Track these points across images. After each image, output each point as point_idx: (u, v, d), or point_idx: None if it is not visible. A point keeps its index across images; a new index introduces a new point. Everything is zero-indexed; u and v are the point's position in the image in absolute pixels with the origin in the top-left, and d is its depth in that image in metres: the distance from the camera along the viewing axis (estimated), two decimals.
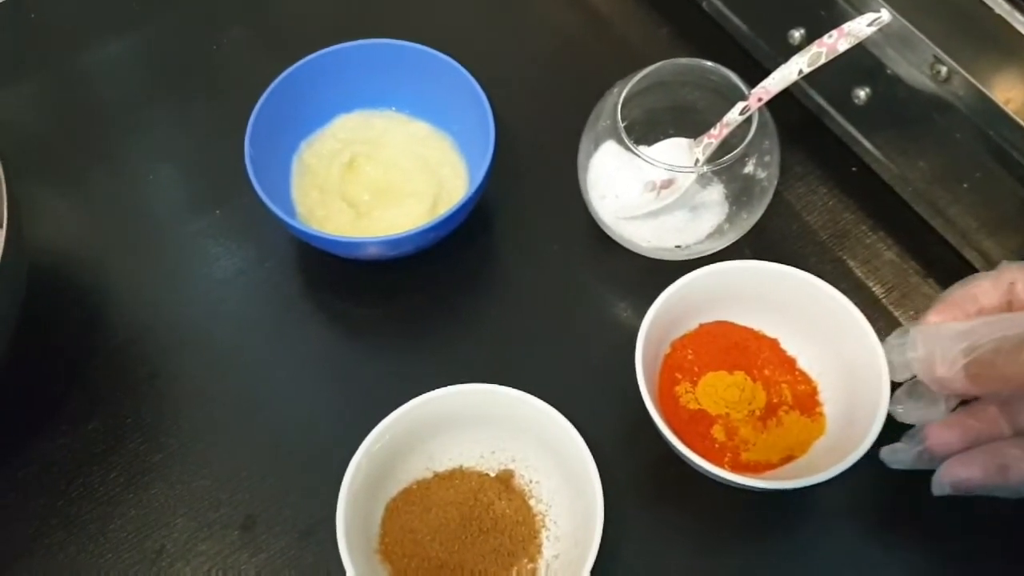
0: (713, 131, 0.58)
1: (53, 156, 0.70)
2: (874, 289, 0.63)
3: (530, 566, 0.52)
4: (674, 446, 0.51)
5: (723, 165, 0.57)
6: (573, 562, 0.49)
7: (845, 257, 0.64)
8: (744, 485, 0.51)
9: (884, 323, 0.61)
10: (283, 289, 0.64)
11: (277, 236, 0.66)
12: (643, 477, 0.57)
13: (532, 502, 0.54)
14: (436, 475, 0.55)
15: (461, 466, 0.55)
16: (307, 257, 0.65)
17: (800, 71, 0.54)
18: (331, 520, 0.50)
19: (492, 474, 0.55)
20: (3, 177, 0.54)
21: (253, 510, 0.57)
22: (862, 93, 0.62)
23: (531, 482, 0.55)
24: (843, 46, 0.53)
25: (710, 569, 0.55)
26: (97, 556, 0.56)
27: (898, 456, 0.52)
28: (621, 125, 0.57)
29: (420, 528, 0.52)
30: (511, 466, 0.55)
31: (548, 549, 0.53)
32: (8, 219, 0.53)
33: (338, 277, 0.64)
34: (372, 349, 0.63)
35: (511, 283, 0.65)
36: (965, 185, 0.59)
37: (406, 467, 0.54)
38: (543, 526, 0.53)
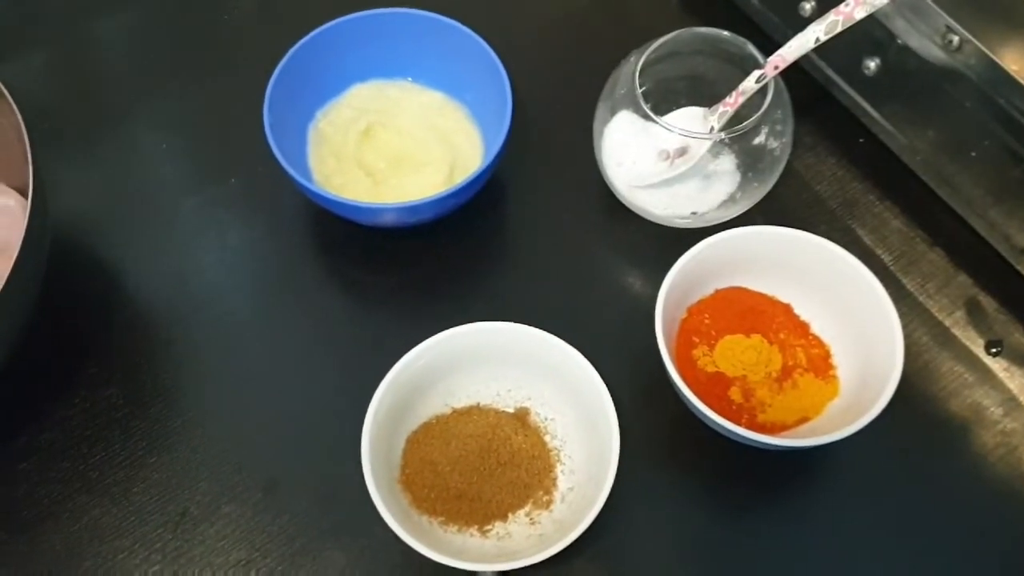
0: (728, 99, 0.59)
1: (67, 126, 0.70)
2: (882, 257, 0.64)
3: (545, 498, 0.54)
4: (693, 404, 0.52)
5: (738, 132, 0.58)
6: (587, 495, 0.50)
7: (854, 225, 0.65)
8: (761, 442, 0.52)
9: (892, 290, 0.61)
10: (299, 257, 0.65)
11: (293, 205, 0.66)
12: (658, 438, 0.58)
13: (547, 438, 0.56)
14: (454, 411, 0.56)
15: (478, 403, 0.57)
16: (323, 225, 0.66)
17: (817, 39, 0.55)
18: (353, 479, 0.50)
19: (509, 411, 0.56)
20: (29, 146, 0.54)
21: (275, 473, 0.57)
22: (872, 64, 0.63)
23: (546, 419, 0.56)
24: (860, 14, 0.54)
25: (722, 528, 0.56)
26: (120, 519, 0.56)
27: None
28: (639, 92, 0.58)
29: (439, 460, 0.54)
30: (527, 404, 0.57)
31: (563, 482, 0.54)
32: (33, 188, 0.53)
33: (354, 245, 0.65)
34: (388, 316, 0.63)
35: (527, 251, 0.65)
36: (973, 154, 0.60)
37: (425, 403, 0.55)
38: (558, 460, 0.55)
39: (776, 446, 0.52)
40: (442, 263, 0.64)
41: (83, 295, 0.64)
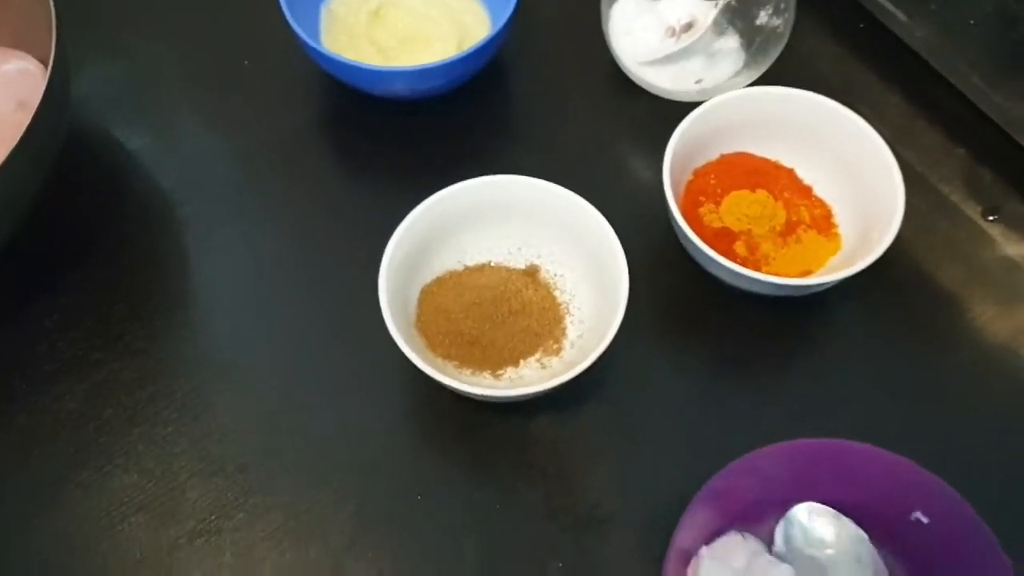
0: None
1: (92, 11, 0.71)
2: (883, 133, 0.65)
3: (555, 346, 0.55)
4: (700, 253, 0.54)
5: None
6: (596, 339, 0.52)
7: (855, 104, 0.66)
8: (764, 282, 0.53)
9: None
10: (311, 133, 0.66)
11: (307, 84, 0.67)
12: (665, 295, 0.60)
13: (557, 293, 0.57)
14: (467, 268, 0.58)
15: (490, 261, 0.58)
16: (335, 100, 0.67)
17: None
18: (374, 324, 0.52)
19: (520, 268, 0.58)
20: (53, 8, 0.55)
21: (295, 322, 0.59)
22: None
23: (556, 275, 0.58)
24: None
25: (726, 379, 0.58)
26: (140, 372, 0.57)
27: None
28: None
29: (453, 308, 0.55)
30: (537, 261, 0.58)
31: (572, 331, 0.56)
32: (56, 46, 0.54)
33: (365, 120, 0.66)
34: (398, 188, 0.64)
35: (537, 127, 0.67)
36: (971, 22, 0.61)
37: (439, 258, 0.57)
38: (567, 312, 0.57)
39: (779, 286, 0.53)
40: (451, 138, 0.65)
41: (99, 169, 0.65)
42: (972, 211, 0.63)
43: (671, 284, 0.60)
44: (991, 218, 0.63)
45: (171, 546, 0.52)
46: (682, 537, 0.47)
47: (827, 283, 0.53)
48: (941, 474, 0.48)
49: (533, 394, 0.50)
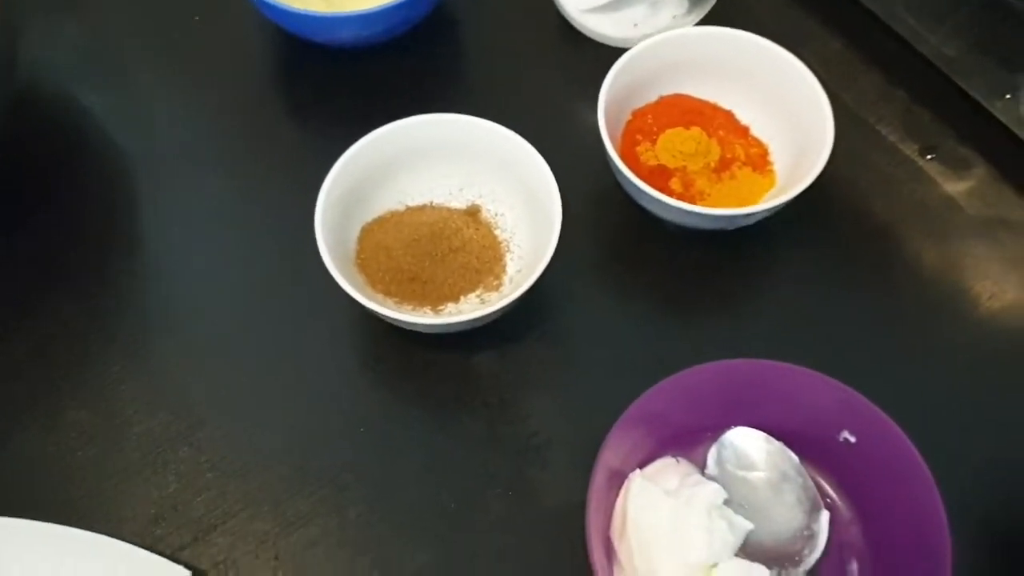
0: None
1: None
2: (822, 75, 0.66)
3: (495, 282, 0.56)
4: (636, 189, 0.55)
5: None
6: (532, 272, 0.53)
7: (795, 49, 0.67)
8: (698, 214, 0.54)
9: (831, 105, 0.64)
10: (260, 87, 0.67)
11: (257, 35, 0.69)
12: (605, 234, 0.61)
13: (497, 232, 0.58)
14: (408, 208, 0.59)
15: (431, 201, 0.59)
16: (284, 52, 0.68)
17: None
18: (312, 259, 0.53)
19: (461, 208, 0.59)
20: None
21: (237, 250, 0.60)
22: None
23: (497, 215, 0.59)
24: None
25: (663, 315, 0.59)
26: (93, 315, 0.59)
27: None
28: None
29: (393, 245, 0.56)
30: (478, 201, 0.59)
31: (511, 268, 0.57)
32: None
33: (314, 69, 0.67)
34: (343, 136, 0.64)
35: (481, 75, 0.68)
36: None
37: (379, 198, 0.58)
38: (507, 250, 0.58)
39: (711, 217, 0.55)
40: (397, 85, 0.66)
41: (54, 125, 0.66)
42: (910, 151, 0.64)
43: (612, 224, 0.62)
44: (928, 157, 0.64)
45: (120, 476, 0.53)
46: (608, 456, 0.48)
47: (756, 212, 0.54)
48: (871, 397, 0.49)
49: (469, 322, 0.51)
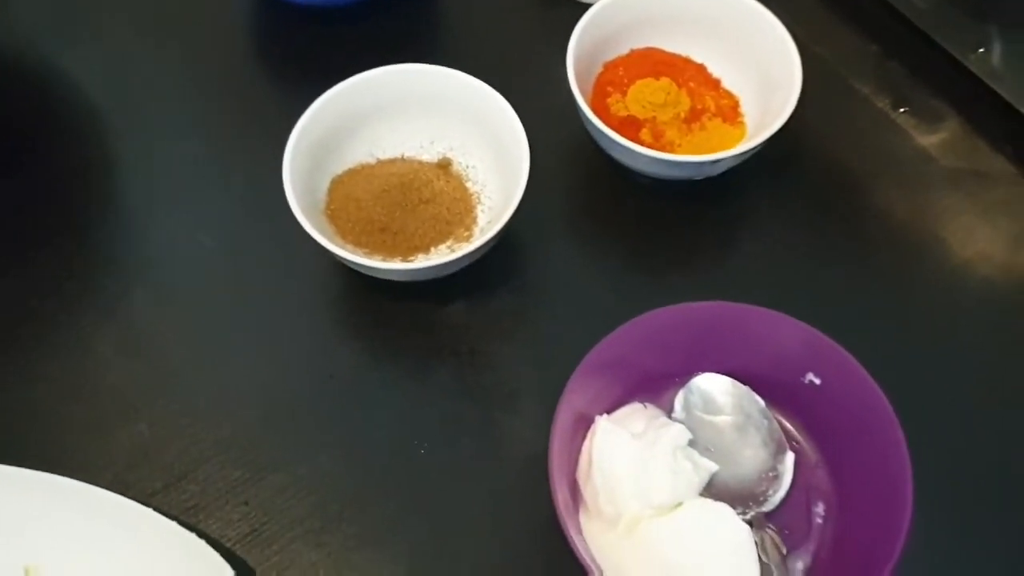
0: None
1: None
2: (797, 32, 0.66)
3: (466, 234, 0.56)
4: (607, 139, 0.55)
5: None
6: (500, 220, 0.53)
7: (769, 6, 0.68)
8: (667, 160, 0.54)
9: (805, 59, 0.64)
10: (230, 43, 0.68)
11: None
12: (576, 187, 0.62)
13: (468, 184, 0.58)
14: (379, 160, 0.59)
15: (403, 154, 0.59)
16: (256, 11, 0.69)
17: None
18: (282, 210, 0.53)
19: (432, 161, 0.59)
20: None
21: (205, 206, 0.60)
22: None
23: (468, 167, 0.59)
24: None
25: (634, 267, 0.60)
26: (73, 263, 0.59)
27: None
28: None
29: (363, 196, 0.56)
30: (450, 154, 0.59)
31: (482, 219, 0.57)
32: None
33: (287, 28, 0.68)
34: (314, 93, 0.64)
35: (456, 35, 0.68)
36: None
37: (350, 150, 0.58)
38: (478, 202, 0.58)
39: (679, 164, 0.55)
40: (368, 45, 0.66)
41: (27, 84, 0.66)
42: (883, 104, 0.64)
43: (583, 177, 0.62)
44: (902, 110, 0.64)
45: (93, 424, 0.54)
46: (571, 400, 0.49)
47: (723, 160, 0.54)
48: (839, 341, 0.49)
49: (436, 268, 0.52)
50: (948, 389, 0.55)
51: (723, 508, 0.48)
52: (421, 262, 0.53)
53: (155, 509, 0.50)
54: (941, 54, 0.64)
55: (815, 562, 0.49)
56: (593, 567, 0.45)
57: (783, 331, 0.50)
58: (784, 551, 0.48)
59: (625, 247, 0.60)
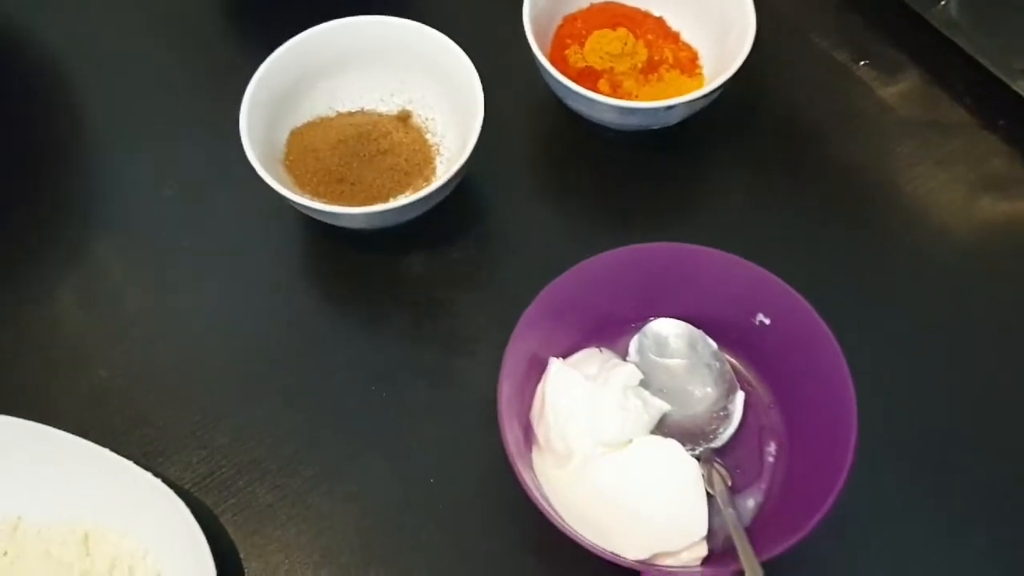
0: None
1: None
2: None
3: (424, 184, 0.57)
4: (564, 89, 0.55)
5: None
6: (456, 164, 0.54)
7: None
8: (621, 107, 0.55)
9: (767, 14, 0.65)
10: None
11: None
12: (537, 145, 0.62)
13: (428, 136, 0.59)
14: (338, 113, 0.59)
15: (363, 107, 0.60)
16: None
17: None
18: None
19: (392, 113, 0.60)
20: None
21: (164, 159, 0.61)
22: None
23: (427, 119, 0.60)
24: None
25: (595, 212, 0.60)
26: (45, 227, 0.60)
27: None
28: None
29: (321, 147, 0.57)
30: (409, 107, 0.60)
31: (441, 170, 0.58)
32: None
33: None
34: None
35: None
36: None
37: (310, 103, 0.59)
38: (437, 153, 0.58)
39: (633, 109, 0.55)
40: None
41: None
42: (843, 57, 0.65)
43: (544, 131, 0.63)
44: (862, 63, 0.64)
45: (54, 371, 0.55)
46: (522, 339, 0.49)
47: (677, 105, 0.55)
48: (797, 287, 0.49)
49: (391, 211, 0.52)
50: (900, 334, 0.55)
51: (671, 444, 0.49)
52: (377, 207, 0.53)
53: (115, 452, 0.51)
54: (901, 7, 0.64)
55: (766, 499, 0.50)
56: (542, 502, 0.46)
57: (733, 271, 0.51)
58: (729, 483, 0.48)
59: (585, 198, 0.60)
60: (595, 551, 0.44)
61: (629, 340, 0.53)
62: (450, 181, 0.53)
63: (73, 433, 0.51)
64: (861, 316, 0.55)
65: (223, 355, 0.55)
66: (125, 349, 0.55)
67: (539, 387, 0.51)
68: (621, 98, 0.59)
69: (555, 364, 0.51)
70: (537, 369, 0.51)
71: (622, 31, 0.60)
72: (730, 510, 0.46)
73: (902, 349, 0.54)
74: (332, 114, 0.60)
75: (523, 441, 0.50)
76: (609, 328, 0.54)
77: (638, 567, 0.45)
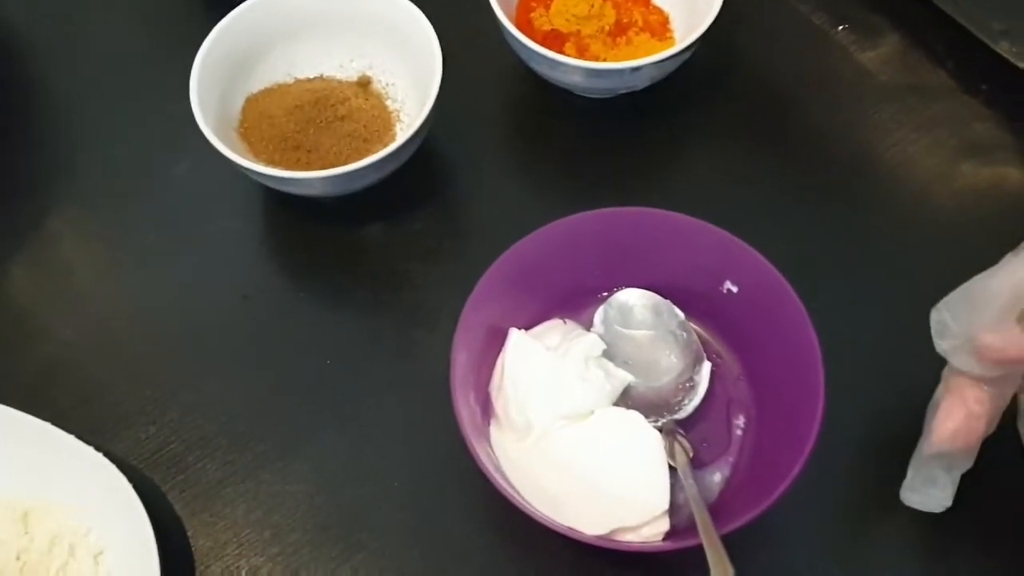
0: None
1: None
2: None
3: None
4: (524, 46, 0.53)
5: None
6: (419, 137, 0.52)
7: None
8: (586, 68, 0.53)
9: None
10: None
11: None
12: (503, 113, 0.61)
13: (388, 102, 0.57)
14: (297, 80, 0.58)
15: (322, 74, 0.58)
16: None
17: None
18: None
19: (352, 79, 0.58)
20: None
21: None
22: None
23: (387, 85, 0.58)
24: None
25: (563, 180, 0.58)
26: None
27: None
28: None
29: (276, 113, 0.55)
30: (369, 72, 0.58)
31: (401, 137, 0.55)
32: None
33: None
34: None
35: None
36: None
37: (267, 69, 0.57)
38: (398, 120, 0.57)
39: (598, 71, 0.53)
40: None
41: None
42: (821, 21, 0.63)
43: (510, 99, 0.61)
44: (841, 28, 0.62)
45: (2, 347, 0.53)
46: (478, 307, 0.47)
47: (643, 67, 0.53)
48: (770, 256, 0.47)
49: (346, 175, 0.50)
50: (877, 302, 0.53)
51: (633, 415, 0.47)
52: (332, 170, 0.51)
53: (62, 428, 0.49)
54: None
55: (734, 472, 0.48)
56: (497, 477, 0.44)
57: (699, 237, 0.49)
58: (691, 455, 0.46)
59: (552, 166, 0.59)
60: (551, 526, 0.42)
61: (595, 311, 0.52)
62: (407, 143, 0.51)
63: (20, 410, 0.49)
64: (837, 284, 0.53)
65: (176, 330, 0.54)
66: (76, 324, 0.54)
67: (499, 359, 0.49)
68: (588, 61, 0.57)
69: (515, 335, 0.49)
70: (498, 341, 0.49)
71: None
72: (690, 482, 0.44)
73: (878, 317, 0.52)
74: (290, 80, 0.58)
75: (481, 415, 0.48)
76: (574, 300, 0.52)
77: (597, 543, 0.43)
